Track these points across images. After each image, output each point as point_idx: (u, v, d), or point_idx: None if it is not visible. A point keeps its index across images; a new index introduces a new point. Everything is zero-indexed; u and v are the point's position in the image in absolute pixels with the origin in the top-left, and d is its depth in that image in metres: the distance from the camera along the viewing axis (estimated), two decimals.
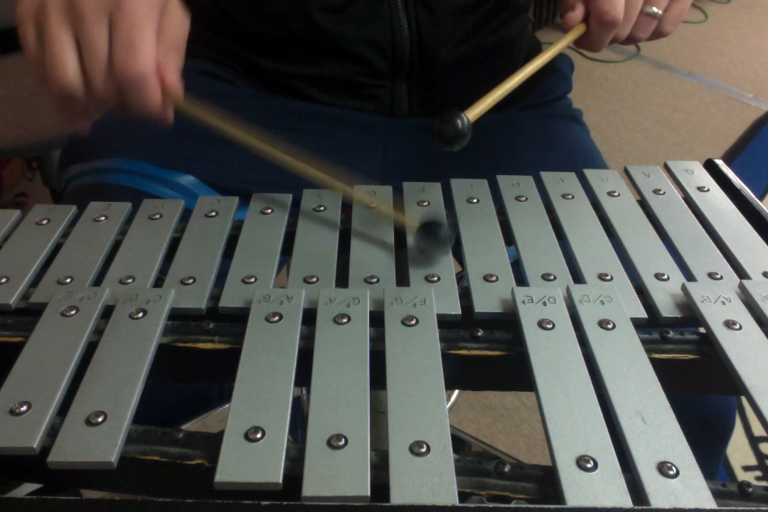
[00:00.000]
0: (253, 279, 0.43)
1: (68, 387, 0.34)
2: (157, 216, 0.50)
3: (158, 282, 0.44)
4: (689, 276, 0.45)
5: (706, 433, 0.62)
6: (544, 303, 0.40)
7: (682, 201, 0.54)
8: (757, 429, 1.31)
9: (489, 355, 0.38)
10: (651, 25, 0.58)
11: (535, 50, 0.84)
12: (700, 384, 0.41)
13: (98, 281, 0.44)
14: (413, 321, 0.38)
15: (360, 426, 0.31)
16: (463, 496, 0.30)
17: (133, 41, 0.44)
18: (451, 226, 0.46)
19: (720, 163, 0.60)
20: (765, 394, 0.34)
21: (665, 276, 0.44)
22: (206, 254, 0.46)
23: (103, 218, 0.50)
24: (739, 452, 1.27)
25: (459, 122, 0.47)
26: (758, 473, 1.24)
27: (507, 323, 0.40)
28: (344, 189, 0.51)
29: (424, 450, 0.30)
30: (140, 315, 0.39)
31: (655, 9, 0.57)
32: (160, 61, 0.45)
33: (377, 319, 0.39)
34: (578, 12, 0.57)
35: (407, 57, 0.71)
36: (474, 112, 0.49)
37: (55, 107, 0.47)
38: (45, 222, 0.50)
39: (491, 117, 0.54)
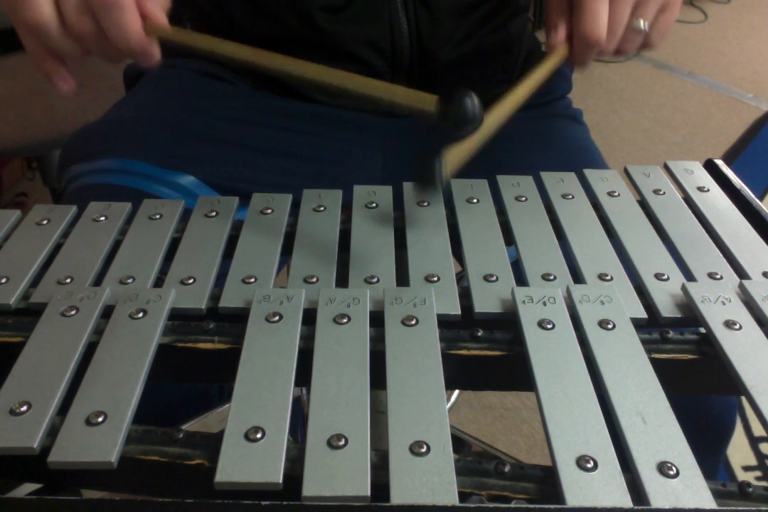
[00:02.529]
0: (253, 280, 0.43)
1: (68, 387, 0.34)
2: (157, 216, 0.50)
3: (158, 282, 0.44)
4: (689, 276, 0.45)
5: (706, 433, 0.62)
6: (544, 303, 0.40)
7: (682, 201, 0.54)
8: (757, 429, 1.31)
9: (489, 355, 0.38)
10: (637, 39, 0.57)
11: (535, 50, 0.83)
12: (700, 384, 0.41)
13: (98, 281, 0.44)
14: (413, 321, 0.38)
15: (360, 426, 0.31)
16: (463, 496, 0.29)
17: None
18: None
19: (720, 163, 0.59)
20: (765, 394, 0.34)
21: (665, 276, 0.44)
22: (206, 254, 0.46)
23: (103, 218, 0.50)
24: (739, 452, 1.27)
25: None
26: (758, 473, 1.24)
27: (507, 323, 0.40)
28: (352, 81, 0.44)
29: (424, 450, 0.30)
30: (140, 315, 0.39)
31: (641, 24, 0.56)
32: None
33: (377, 319, 0.39)
34: (561, 33, 0.57)
35: (407, 57, 0.71)
36: (453, 163, 0.44)
37: (31, 53, 0.45)
38: (45, 222, 0.50)
39: None
